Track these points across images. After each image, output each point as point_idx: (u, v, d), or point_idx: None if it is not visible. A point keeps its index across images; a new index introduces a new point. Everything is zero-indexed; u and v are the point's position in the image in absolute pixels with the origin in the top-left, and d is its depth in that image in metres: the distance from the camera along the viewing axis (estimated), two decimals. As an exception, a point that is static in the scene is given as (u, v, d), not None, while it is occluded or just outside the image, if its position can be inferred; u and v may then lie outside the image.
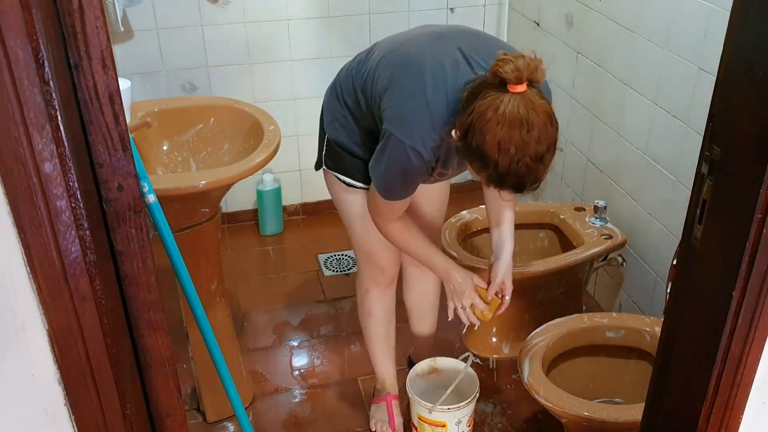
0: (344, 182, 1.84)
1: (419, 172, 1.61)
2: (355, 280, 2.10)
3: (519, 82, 1.36)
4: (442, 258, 1.84)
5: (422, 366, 2.10)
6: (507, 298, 1.88)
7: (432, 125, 1.53)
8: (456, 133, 1.46)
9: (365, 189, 1.81)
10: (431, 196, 2.03)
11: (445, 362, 2.12)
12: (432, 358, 2.14)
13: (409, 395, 1.99)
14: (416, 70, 1.55)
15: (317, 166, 1.93)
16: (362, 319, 2.13)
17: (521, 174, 1.40)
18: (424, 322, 2.28)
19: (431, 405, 1.95)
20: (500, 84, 1.38)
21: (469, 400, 1.97)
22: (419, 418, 2.00)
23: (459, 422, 1.98)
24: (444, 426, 1.98)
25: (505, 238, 1.97)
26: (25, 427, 0.87)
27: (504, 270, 1.88)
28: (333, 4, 2.88)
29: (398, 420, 2.15)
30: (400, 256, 2.03)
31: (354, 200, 1.87)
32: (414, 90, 1.54)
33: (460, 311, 1.86)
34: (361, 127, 1.76)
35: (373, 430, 2.17)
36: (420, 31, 1.70)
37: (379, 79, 1.62)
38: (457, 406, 1.95)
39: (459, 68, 1.54)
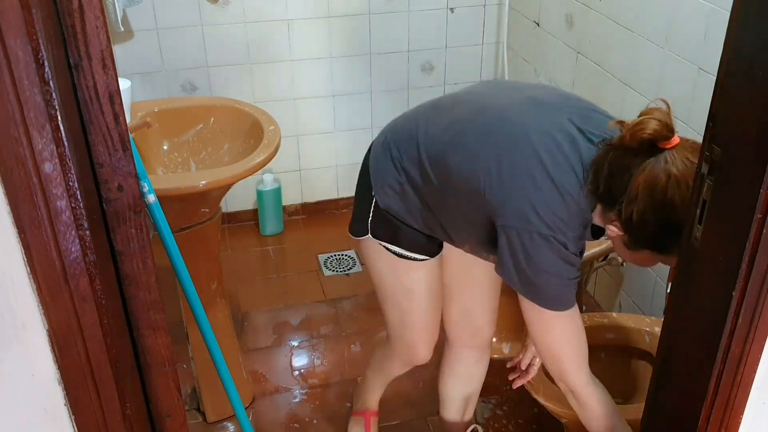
0: (396, 254, 1.60)
1: (575, 261, 1.33)
2: (386, 344, 1.87)
3: (671, 133, 1.20)
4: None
5: None
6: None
7: (568, 212, 1.29)
8: (617, 224, 1.25)
9: (421, 260, 1.62)
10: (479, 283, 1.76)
11: None
12: None
13: None
14: (528, 149, 1.31)
15: (359, 233, 1.64)
16: (374, 367, 1.99)
17: None
18: (465, 410, 2.01)
19: None
20: (647, 148, 1.20)
21: None
22: None
23: None
24: None
25: None
26: (25, 427, 0.87)
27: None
28: (333, 4, 2.88)
29: None
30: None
31: (412, 274, 1.64)
32: (533, 172, 1.29)
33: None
34: (422, 200, 1.49)
35: None
36: (506, 92, 1.46)
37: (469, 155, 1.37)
38: None
39: (577, 144, 1.30)
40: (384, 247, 1.61)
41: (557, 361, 1.48)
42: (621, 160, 1.22)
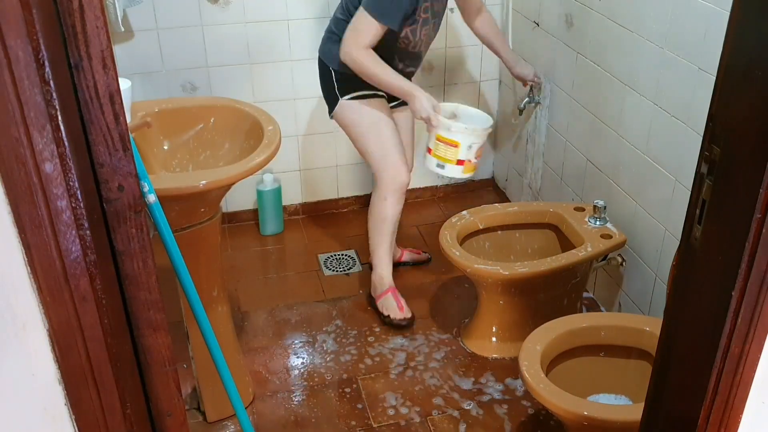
0: (364, 96, 2.38)
1: None
2: (374, 191, 2.52)
3: None
4: (405, 82, 2.30)
5: (445, 107, 2.45)
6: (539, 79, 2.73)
7: None
8: None
9: (382, 96, 2.42)
10: (402, 125, 2.59)
11: (464, 109, 2.55)
12: (455, 104, 2.57)
13: (437, 118, 2.28)
14: None
15: (333, 105, 2.43)
16: (376, 223, 2.54)
17: None
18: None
19: (452, 123, 2.28)
20: None
21: (486, 128, 2.33)
22: (437, 138, 2.31)
23: (470, 147, 2.30)
24: (457, 146, 2.29)
25: (501, 41, 2.68)
26: (25, 427, 0.87)
27: (523, 64, 2.77)
28: (333, 4, 2.87)
29: (403, 301, 2.60)
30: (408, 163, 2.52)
31: (369, 110, 2.41)
32: None
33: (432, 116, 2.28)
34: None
35: (386, 314, 2.59)
36: None
37: None
38: (474, 127, 2.29)
39: None
40: (354, 99, 2.40)
41: (353, 38, 2.26)
42: None
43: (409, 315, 2.58)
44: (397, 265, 2.84)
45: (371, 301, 2.69)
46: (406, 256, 2.93)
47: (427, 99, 2.29)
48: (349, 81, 2.37)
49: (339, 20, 2.36)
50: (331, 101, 2.45)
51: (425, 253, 2.97)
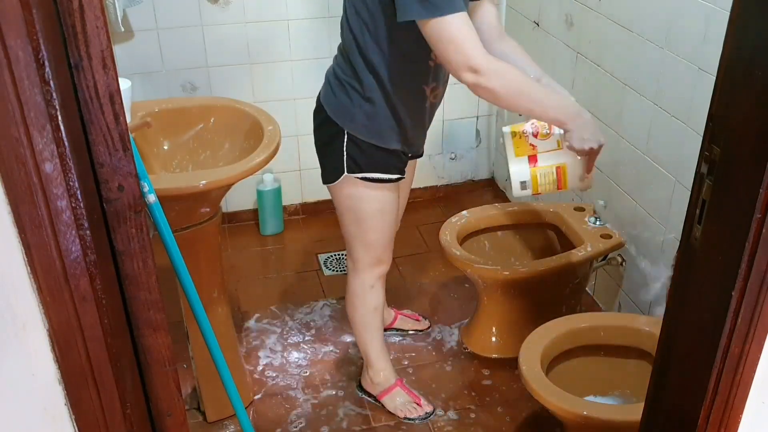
0: (373, 179, 1.83)
1: None
2: (354, 281, 2.09)
3: None
4: (569, 101, 1.69)
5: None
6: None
7: None
8: None
9: (392, 182, 1.87)
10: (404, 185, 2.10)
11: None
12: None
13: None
14: None
15: (333, 177, 1.85)
16: (365, 315, 2.13)
17: None
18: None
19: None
20: None
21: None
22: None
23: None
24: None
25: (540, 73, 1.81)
26: (25, 427, 0.87)
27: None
28: (333, 4, 2.88)
29: (417, 393, 2.25)
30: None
31: (378, 196, 1.87)
32: None
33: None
34: (386, 97, 1.74)
35: (403, 416, 2.20)
36: None
37: None
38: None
39: None
40: (361, 179, 1.83)
41: (459, 51, 1.51)
42: None
43: (430, 408, 2.21)
44: (387, 331, 2.48)
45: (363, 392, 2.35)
46: (401, 321, 2.55)
47: (594, 122, 1.66)
48: (364, 154, 1.80)
49: (344, 64, 1.79)
50: (332, 169, 1.86)
51: (425, 319, 2.58)
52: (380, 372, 2.22)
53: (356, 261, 2.04)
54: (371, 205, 1.88)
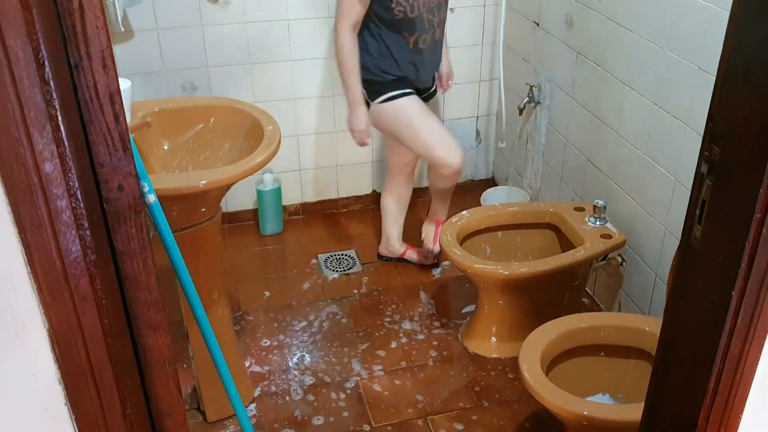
0: (393, 97, 2.48)
1: None
2: (434, 170, 2.67)
3: None
4: (355, 92, 2.45)
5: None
6: (451, 82, 2.80)
7: None
8: None
9: (409, 93, 2.51)
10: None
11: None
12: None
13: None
14: None
15: (367, 109, 2.52)
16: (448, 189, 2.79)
17: None
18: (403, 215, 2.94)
19: None
20: None
21: None
22: None
23: None
24: None
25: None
26: (25, 426, 0.87)
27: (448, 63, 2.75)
28: (333, 4, 2.88)
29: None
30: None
31: (407, 104, 2.51)
32: None
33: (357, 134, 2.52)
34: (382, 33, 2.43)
35: (422, 237, 2.88)
36: None
37: None
38: None
39: None
40: (384, 101, 2.49)
41: (338, 17, 2.41)
42: None
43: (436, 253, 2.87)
44: (398, 260, 2.94)
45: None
46: (410, 254, 2.93)
47: (363, 115, 2.48)
48: (373, 84, 2.47)
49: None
50: (368, 103, 2.53)
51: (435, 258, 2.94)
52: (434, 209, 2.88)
53: (429, 156, 2.58)
54: (404, 117, 2.51)
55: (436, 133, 2.53)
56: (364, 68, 2.45)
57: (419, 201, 3.27)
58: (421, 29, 2.43)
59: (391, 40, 2.42)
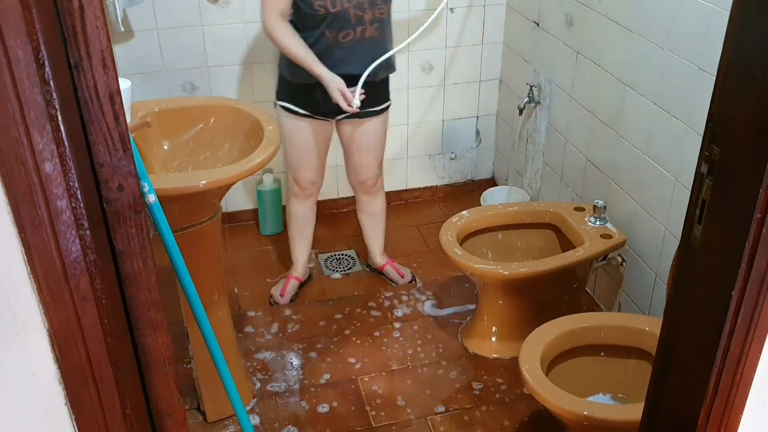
0: (291, 111, 2.43)
1: None
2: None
3: None
4: (318, 66, 2.28)
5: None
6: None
7: None
8: None
9: (314, 118, 2.43)
10: (363, 140, 2.57)
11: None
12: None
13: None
14: None
15: (275, 105, 2.50)
16: (287, 221, 2.77)
17: None
18: (375, 232, 2.83)
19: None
20: None
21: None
22: None
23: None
24: None
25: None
26: (25, 426, 0.87)
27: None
28: (333, 4, 2.87)
29: (288, 295, 2.72)
30: (319, 176, 2.63)
31: (297, 123, 2.45)
32: None
33: (339, 99, 2.31)
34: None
35: (271, 291, 2.77)
36: None
37: None
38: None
39: None
40: (282, 107, 2.45)
41: (263, 12, 2.28)
42: None
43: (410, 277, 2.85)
44: (378, 273, 2.88)
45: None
46: (388, 270, 2.85)
47: (334, 83, 2.29)
48: (282, 85, 2.45)
49: None
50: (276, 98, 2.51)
51: (412, 275, 2.86)
52: (293, 261, 2.79)
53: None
54: (284, 129, 2.47)
55: (301, 160, 2.52)
56: (280, 64, 2.40)
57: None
58: (346, 26, 2.28)
59: (307, 28, 2.28)
